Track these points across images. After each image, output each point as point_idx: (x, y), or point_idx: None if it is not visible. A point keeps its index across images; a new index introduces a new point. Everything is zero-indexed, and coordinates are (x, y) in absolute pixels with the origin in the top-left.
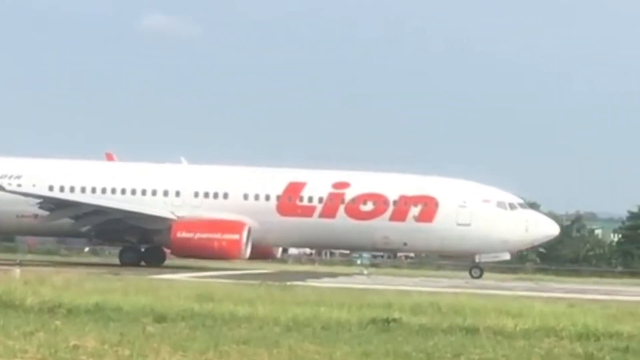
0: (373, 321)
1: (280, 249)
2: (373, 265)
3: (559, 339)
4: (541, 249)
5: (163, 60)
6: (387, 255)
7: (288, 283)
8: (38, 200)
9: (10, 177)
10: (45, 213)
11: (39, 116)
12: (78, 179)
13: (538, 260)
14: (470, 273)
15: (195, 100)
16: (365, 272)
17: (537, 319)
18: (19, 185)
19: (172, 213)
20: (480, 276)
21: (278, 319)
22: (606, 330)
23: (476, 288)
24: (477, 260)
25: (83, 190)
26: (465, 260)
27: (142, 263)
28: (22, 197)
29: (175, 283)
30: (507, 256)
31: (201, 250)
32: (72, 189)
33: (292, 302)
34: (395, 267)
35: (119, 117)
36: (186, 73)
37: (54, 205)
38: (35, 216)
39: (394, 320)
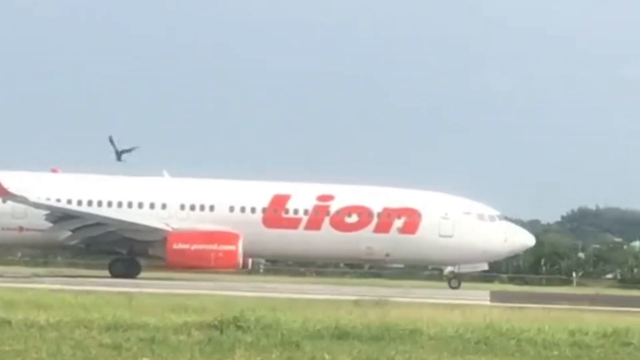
0: None
1: (250, 260)
2: None
3: (89, 330)
4: None
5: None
6: None
7: None
8: (45, 212)
9: None
10: (39, 226)
11: None
12: (64, 191)
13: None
14: (449, 284)
15: (175, 113)
16: None
17: (68, 311)
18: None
19: (167, 225)
20: (458, 286)
21: None
22: (133, 321)
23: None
24: (455, 270)
25: (69, 202)
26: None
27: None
28: (7, 209)
29: None
30: (485, 266)
31: (198, 262)
32: (58, 201)
33: None
34: None
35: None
36: (165, 83)
37: (59, 217)
38: (20, 229)
39: None
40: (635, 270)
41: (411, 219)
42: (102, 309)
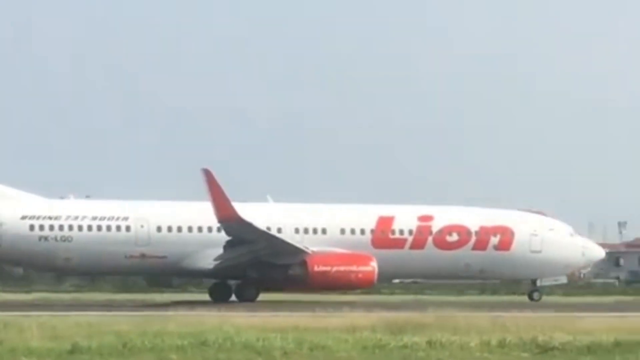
0: None
1: None
2: None
3: None
4: None
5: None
6: None
7: None
8: (228, 239)
9: (117, 219)
10: (161, 253)
11: None
12: (177, 219)
13: None
14: (531, 296)
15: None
16: None
17: None
18: (128, 226)
19: (306, 247)
20: (540, 299)
21: None
22: None
23: None
24: (538, 284)
25: (179, 229)
26: None
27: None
28: (131, 237)
29: None
30: (564, 280)
31: (339, 283)
32: (179, 229)
33: None
34: None
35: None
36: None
37: (234, 243)
38: (143, 256)
39: None
40: None
41: (505, 237)
42: None
